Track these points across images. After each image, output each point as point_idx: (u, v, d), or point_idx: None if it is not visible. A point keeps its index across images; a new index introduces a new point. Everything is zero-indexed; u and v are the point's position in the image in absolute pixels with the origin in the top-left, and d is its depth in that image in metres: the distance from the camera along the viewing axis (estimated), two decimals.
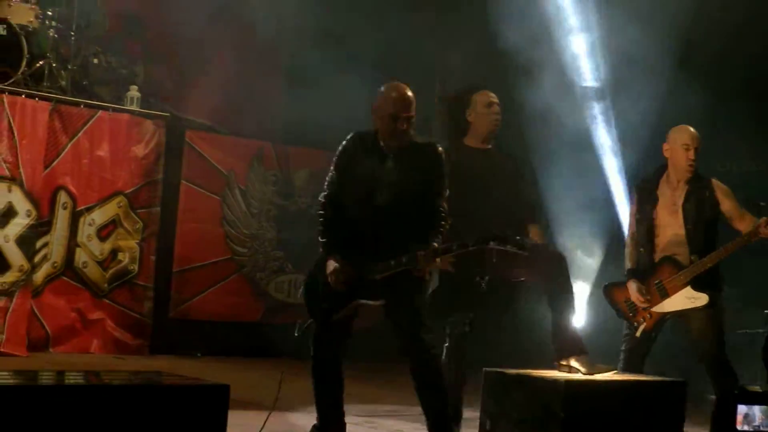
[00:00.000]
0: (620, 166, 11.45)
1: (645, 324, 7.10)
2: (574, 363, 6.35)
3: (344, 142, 6.07)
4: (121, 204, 10.49)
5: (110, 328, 10.38)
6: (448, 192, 5.91)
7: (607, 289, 7.39)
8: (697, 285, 6.95)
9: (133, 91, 10.73)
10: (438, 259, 5.63)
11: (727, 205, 7.09)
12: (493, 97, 6.75)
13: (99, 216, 10.35)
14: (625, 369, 6.95)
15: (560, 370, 6.33)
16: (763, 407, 4.74)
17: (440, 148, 5.94)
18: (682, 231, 7.07)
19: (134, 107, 10.67)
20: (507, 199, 6.63)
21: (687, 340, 7.24)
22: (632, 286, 7.16)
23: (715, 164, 10.07)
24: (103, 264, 10.38)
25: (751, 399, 4.73)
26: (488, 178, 6.62)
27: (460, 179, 6.26)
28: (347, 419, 6.19)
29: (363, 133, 6.03)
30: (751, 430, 4.72)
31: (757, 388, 4.80)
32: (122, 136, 10.49)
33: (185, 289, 11.13)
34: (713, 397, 6.21)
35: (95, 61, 10.83)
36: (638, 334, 7.12)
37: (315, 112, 11.68)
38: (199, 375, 5.22)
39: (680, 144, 7.09)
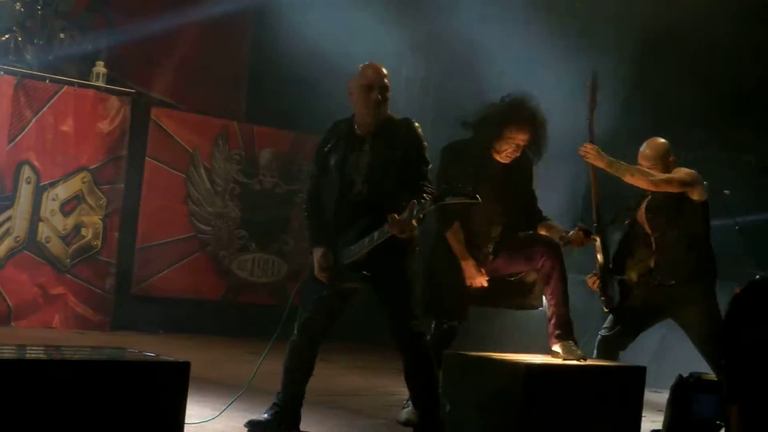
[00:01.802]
0: None
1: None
2: (556, 348, 6.44)
3: (323, 135, 6.10)
4: (85, 179, 10.45)
5: (72, 304, 10.36)
6: (430, 164, 5.93)
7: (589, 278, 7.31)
8: (690, 274, 6.88)
9: (99, 67, 10.69)
10: (415, 221, 5.58)
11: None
12: (522, 140, 6.69)
13: (63, 191, 10.31)
14: (600, 357, 7.01)
15: (552, 355, 6.42)
16: (717, 395, 4.80)
17: (415, 123, 5.95)
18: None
19: (100, 83, 10.62)
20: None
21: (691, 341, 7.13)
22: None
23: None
24: (66, 239, 10.35)
25: (706, 387, 4.78)
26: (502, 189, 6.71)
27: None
28: (308, 398, 6.22)
29: (339, 121, 6.06)
30: (705, 416, 4.78)
31: (712, 376, 4.85)
32: (87, 112, 10.45)
33: (148, 265, 11.12)
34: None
35: (61, 36, 10.76)
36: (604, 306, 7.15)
37: (280, 92, 11.71)
38: (160, 352, 5.22)
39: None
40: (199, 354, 8.90)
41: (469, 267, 6.60)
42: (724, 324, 2.69)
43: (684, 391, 4.76)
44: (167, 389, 4.38)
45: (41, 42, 10.53)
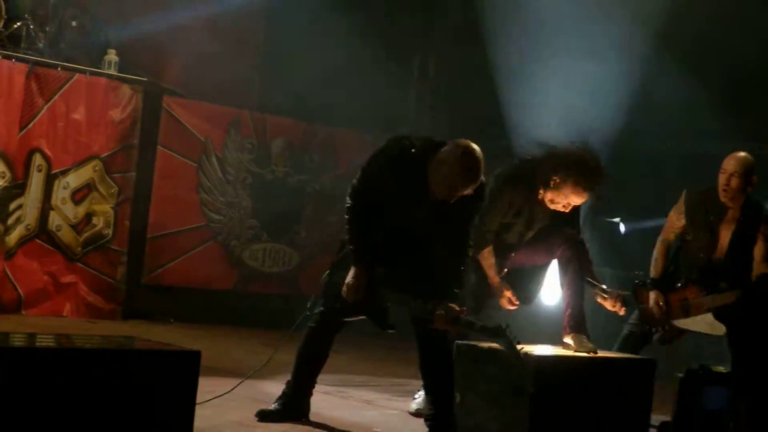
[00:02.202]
0: None
1: (662, 334, 7.09)
2: (568, 340, 6.44)
3: (390, 150, 5.77)
4: (96, 168, 10.44)
5: (83, 292, 10.36)
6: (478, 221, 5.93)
7: (636, 288, 7.21)
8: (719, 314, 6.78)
9: (111, 55, 10.68)
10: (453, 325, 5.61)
11: (758, 248, 6.89)
12: (577, 202, 6.60)
13: (74, 179, 10.30)
14: (620, 350, 7.00)
15: (564, 347, 6.42)
16: (727, 388, 4.79)
17: (486, 190, 5.87)
18: (722, 255, 6.92)
19: (112, 71, 10.62)
20: None
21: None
22: (651, 297, 7.05)
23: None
24: (76, 228, 10.35)
25: (715, 379, 4.77)
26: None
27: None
28: (319, 388, 6.22)
29: (413, 154, 5.68)
30: (714, 408, 4.77)
31: (722, 369, 4.84)
32: (99, 100, 10.44)
33: (159, 255, 11.11)
34: (680, 375, 6.24)
35: (73, 23, 10.74)
36: (655, 339, 7.12)
37: (292, 82, 11.70)
38: (171, 341, 5.22)
39: (722, 168, 6.87)
40: (210, 343, 8.91)
41: (498, 287, 6.65)
42: (735, 317, 2.67)
43: (692, 383, 4.75)
44: (178, 378, 4.38)
45: (53, 30, 10.52)
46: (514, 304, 6.65)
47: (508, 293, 6.63)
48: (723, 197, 6.85)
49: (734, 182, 6.79)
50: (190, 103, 11.35)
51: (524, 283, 6.87)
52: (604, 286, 6.66)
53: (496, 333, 5.43)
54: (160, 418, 4.29)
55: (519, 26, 11.33)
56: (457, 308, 5.57)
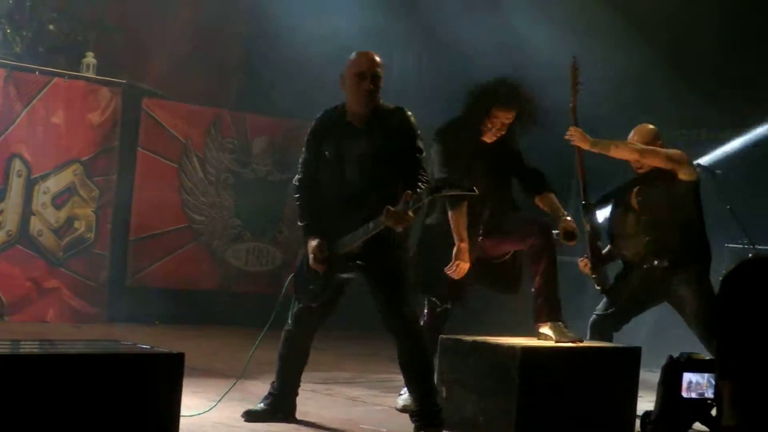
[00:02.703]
0: None
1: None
2: (544, 330, 6.43)
3: (313, 122, 6.07)
4: (76, 172, 10.42)
5: (66, 297, 10.34)
6: (423, 152, 5.89)
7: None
8: (683, 256, 6.89)
9: (90, 58, 10.64)
10: (411, 212, 5.55)
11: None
12: (509, 119, 6.67)
13: (54, 184, 10.27)
14: (592, 338, 7.03)
15: (538, 337, 6.42)
16: (708, 374, 4.80)
17: (408, 111, 5.90)
18: None
19: (90, 74, 10.58)
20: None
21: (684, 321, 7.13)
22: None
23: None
24: (58, 232, 10.32)
25: (697, 366, 4.78)
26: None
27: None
28: (305, 386, 6.22)
29: (331, 109, 6.01)
30: (696, 397, 4.78)
31: (702, 356, 4.85)
32: (78, 104, 10.41)
33: (142, 257, 11.09)
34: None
35: (51, 27, 10.71)
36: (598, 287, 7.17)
37: (273, 80, 11.68)
38: (156, 343, 5.21)
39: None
40: (195, 344, 8.90)
41: (464, 251, 6.55)
42: (716, 302, 2.70)
43: (675, 371, 4.76)
44: (162, 381, 4.37)
45: (30, 34, 10.49)
46: (460, 274, 6.59)
47: (465, 264, 6.55)
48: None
49: None
50: (170, 105, 11.32)
51: (501, 272, 6.86)
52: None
53: (442, 188, 5.64)
54: (145, 421, 4.28)
55: None
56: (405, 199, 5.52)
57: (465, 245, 6.51)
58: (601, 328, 7.06)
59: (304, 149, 6.10)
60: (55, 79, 10.28)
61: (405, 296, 5.81)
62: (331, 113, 5.99)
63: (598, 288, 7.10)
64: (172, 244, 11.31)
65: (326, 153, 5.90)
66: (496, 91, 6.64)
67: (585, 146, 6.89)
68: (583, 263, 7.10)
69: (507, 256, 6.82)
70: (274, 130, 12.06)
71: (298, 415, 6.10)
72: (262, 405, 6.05)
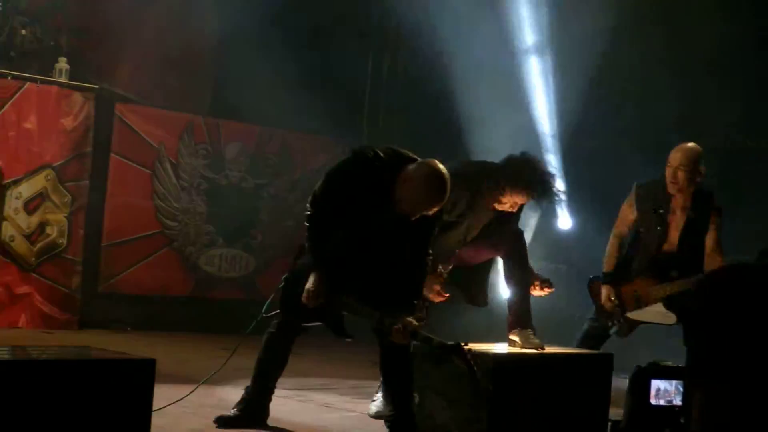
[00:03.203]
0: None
1: (617, 327, 7.13)
2: (513, 336, 6.46)
3: (356, 161, 5.73)
4: (49, 177, 10.37)
5: (38, 303, 10.28)
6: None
7: (591, 283, 7.27)
8: (669, 303, 6.85)
9: (62, 63, 10.60)
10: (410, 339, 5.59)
11: (710, 237, 6.95)
12: (524, 201, 6.60)
13: (26, 189, 10.22)
14: (581, 346, 7.06)
15: (508, 343, 6.44)
16: (676, 381, 4.84)
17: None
18: (674, 246, 6.98)
19: (63, 79, 10.54)
20: None
21: None
22: (603, 291, 7.12)
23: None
24: (30, 238, 10.26)
25: (665, 374, 4.82)
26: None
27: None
28: (278, 392, 6.21)
29: (378, 167, 5.65)
30: (664, 404, 4.81)
31: (670, 363, 4.89)
32: (51, 109, 10.36)
33: (115, 263, 11.05)
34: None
35: (23, 32, 10.66)
36: (611, 333, 7.17)
37: (247, 86, 11.66)
38: (128, 350, 5.19)
39: (668, 162, 6.94)
40: (167, 350, 8.88)
41: (432, 282, 6.50)
42: (691, 308, 2.70)
43: (643, 379, 4.80)
44: (133, 387, 4.36)
45: (2, 39, 10.44)
46: (442, 296, 6.59)
47: (437, 286, 6.58)
48: (671, 190, 6.92)
49: (681, 175, 6.86)
50: (143, 110, 11.29)
51: (469, 282, 6.89)
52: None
53: (453, 350, 5.43)
54: (116, 427, 4.26)
55: None
56: (415, 322, 5.56)
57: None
58: (593, 339, 7.13)
59: (330, 180, 5.76)
60: (28, 84, 10.23)
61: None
62: (378, 170, 5.64)
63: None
64: (144, 250, 11.28)
65: (356, 204, 5.68)
66: (522, 174, 6.47)
67: None
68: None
69: (480, 263, 6.86)
70: (247, 137, 12.06)
71: (270, 422, 6.09)
72: (234, 411, 6.03)
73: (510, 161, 6.55)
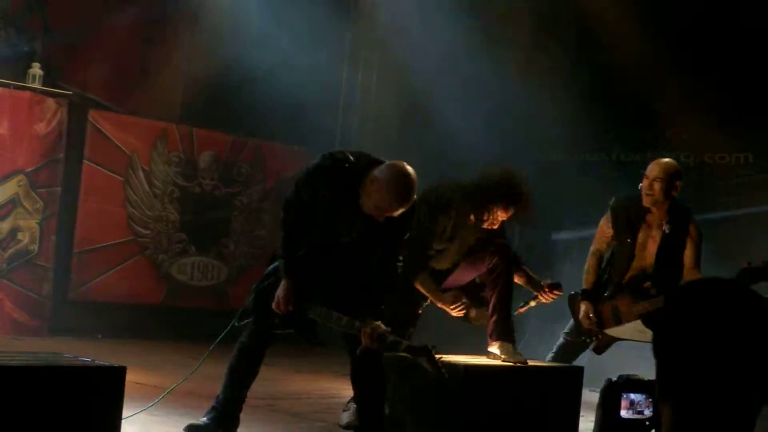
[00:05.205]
0: None
1: (596, 343, 7.16)
2: (493, 349, 6.47)
3: (325, 164, 5.71)
4: (21, 183, 10.33)
5: (8, 309, 10.24)
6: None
7: (572, 298, 7.27)
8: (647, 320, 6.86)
9: (35, 69, 10.55)
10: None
11: (688, 253, 7.00)
12: (506, 216, 6.65)
13: None
14: (555, 359, 7.08)
15: (487, 356, 6.46)
16: (647, 394, 4.87)
17: (421, 203, 5.88)
18: (651, 262, 7.01)
19: (36, 85, 10.50)
20: None
21: None
22: (582, 308, 7.12)
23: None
24: (1, 244, 10.22)
25: (635, 387, 4.85)
26: None
27: None
28: (248, 401, 6.19)
29: (347, 169, 5.63)
30: (635, 417, 4.84)
31: (641, 377, 4.92)
32: (23, 114, 10.32)
33: (86, 270, 11.01)
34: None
35: None
36: (590, 348, 7.20)
37: (221, 95, 11.66)
38: (99, 357, 5.17)
39: (645, 174, 6.96)
40: (138, 358, 8.83)
41: (446, 304, 6.64)
42: (659, 322, 2.72)
43: (614, 393, 4.82)
44: (103, 394, 4.35)
45: None
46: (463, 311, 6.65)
47: (459, 303, 6.63)
48: (646, 202, 6.95)
49: (656, 187, 6.89)
50: (117, 117, 11.27)
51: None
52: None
53: (422, 352, 5.43)
54: None
55: None
56: (383, 326, 5.56)
57: (445, 299, 6.66)
58: (568, 352, 7.17)
59: (301, 184, 5.77)
60: (0, 90, 10.19)
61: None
62: (347, 173, 5.62)
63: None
64: (116, 258, 11.24)
65: (326, 208, 5.68)
66: (500, 189, 6.55)
67: None
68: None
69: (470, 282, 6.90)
70: (220, 145, 12.05)
71: (241, 431, 6.08)
72: (204, 419, 6.00)
73: (485, 176, 6.59)
